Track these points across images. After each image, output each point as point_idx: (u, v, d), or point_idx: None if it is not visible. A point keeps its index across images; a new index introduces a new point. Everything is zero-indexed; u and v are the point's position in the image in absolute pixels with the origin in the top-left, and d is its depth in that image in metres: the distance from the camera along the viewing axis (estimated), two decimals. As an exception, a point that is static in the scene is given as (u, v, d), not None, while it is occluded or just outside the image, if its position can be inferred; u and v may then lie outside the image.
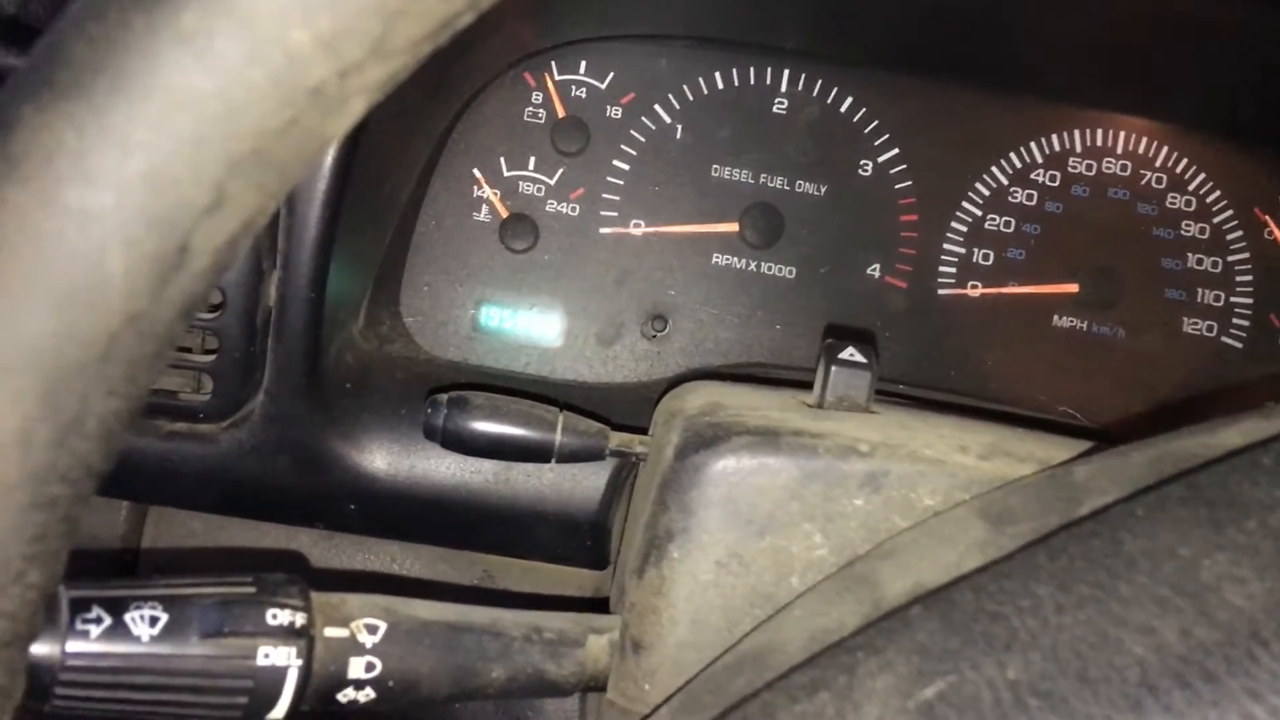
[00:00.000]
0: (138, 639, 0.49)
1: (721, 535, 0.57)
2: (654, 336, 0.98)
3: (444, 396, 0.70)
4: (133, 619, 0.50)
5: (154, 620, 0.50)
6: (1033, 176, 1.01)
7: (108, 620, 0.49)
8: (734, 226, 0.99)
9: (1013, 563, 0.39)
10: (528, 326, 0.97)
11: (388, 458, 0.82)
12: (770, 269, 0.99)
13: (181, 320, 0.33)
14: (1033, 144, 1.01)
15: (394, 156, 0.88)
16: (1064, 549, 0.39)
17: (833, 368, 0.65)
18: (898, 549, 0.54)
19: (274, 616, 0.52)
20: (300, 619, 0.53)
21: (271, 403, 0.79)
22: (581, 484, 0.83)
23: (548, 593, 0.92)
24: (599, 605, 0.88)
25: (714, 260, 0.99)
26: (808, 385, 0.73)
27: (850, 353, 0.66)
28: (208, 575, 0.54)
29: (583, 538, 0.85)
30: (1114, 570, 0.36)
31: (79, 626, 0.49)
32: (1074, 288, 1.01)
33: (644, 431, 0.78)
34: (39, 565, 0.33)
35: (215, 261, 0.32)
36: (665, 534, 0.58)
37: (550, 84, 0.99)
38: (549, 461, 0.71)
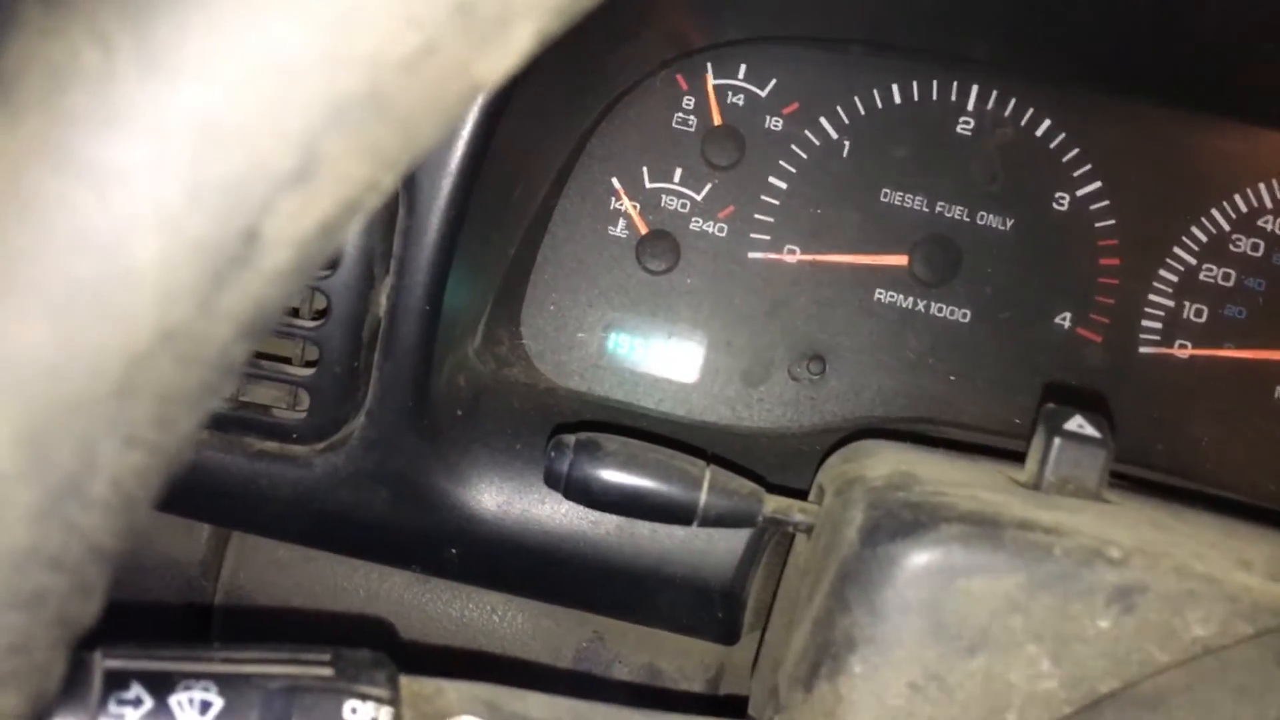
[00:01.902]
0: (183, 731, 0.39)
1: (919, 651, 0.45)
2: (807, 379, 0.85)
3: (571, 438, 0.60)
4: (179, 702, 0.40)
5: (205, 706, 0.40)
6: (1260, 223, 0.86)
7: (148, 703, 0.39)
8: (903, 260, 0.86)
9: None
10: (662, 358, 0.86)
11: (498, 498, 0.72)
12: (942, 310, 0.86)
13: (243, 341, 0.22)
14: (1262, 185, 0.87)
15: (528, 158, 0.79)
16: None
17: (1056, 440, 0.52)
18: (1166, 697, 0.40)
19: (354, 711, 0.41)
20: (386, 715, 0.42)
21: (373, 426, 0.70)
22: (717, 545, 0.72)
23: (665, 666, 0.80)
24: (729, 705, 0.75)
25: (877, 296, 0.87)
26: (998, 453, 0.60)
27: (1079, 423, 0.53)
28: (277, 645, 0.43)
29: (713, 607, 0.73)
30: None
31: (112, 709, 0.39)
32: (1304, 356, 0.85)
33: (800, 494, 0.66)
34: (14, 688, 0.22)
35: (299, 257, 0.22)
36: (845, 641, 0.46)
37: (705, 88, 0.88)
38: (690, 524, 0.59)
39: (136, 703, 0.39)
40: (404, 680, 0.45)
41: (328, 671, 0.43)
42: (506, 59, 0.21)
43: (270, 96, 0.19)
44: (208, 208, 0.20)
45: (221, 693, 0.40)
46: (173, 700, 0.40)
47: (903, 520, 0.46)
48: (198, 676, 0.40)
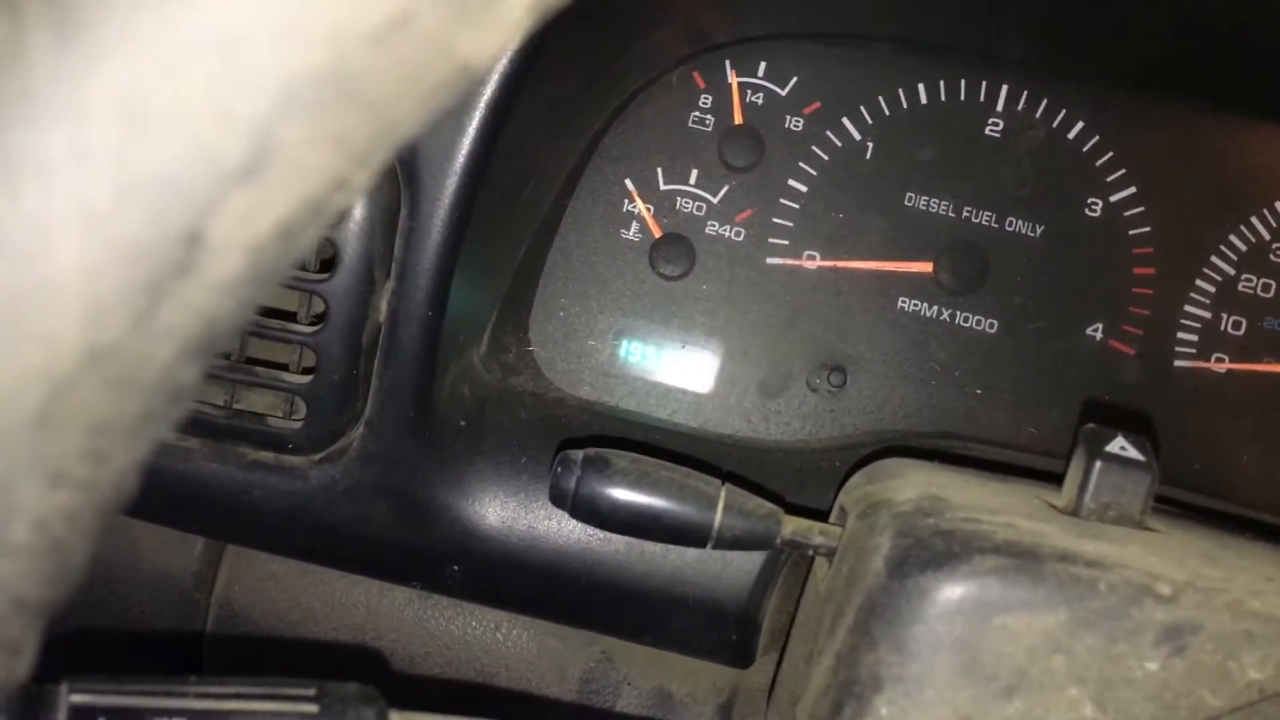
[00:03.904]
0: (151, 774, 0.36)
1: (951, 692, 0.41)
2: (826, 391, 0.82)
3: (578, 454, 0.56)
4: (149, 742, 0.37)
5: (178, 745, 0.37)
6: (1303, 231, 0.83)
7: (116, 742, 0.36)
8: (928, 267, 0.83)
9: None
10: (676, 367, 0.83)
11: (502, 513, 0.69)
12: (968, 320, 0.83)
13: (192, 361, 0.19)
14: (1305, 191, 0.83)
15: (538, 157, 0.75)
16: None
17: (1097, 463, 0.48)
18: (1223, 750, 0.37)
19: (338, 752, 0.38)
20: (373, 756, 0.39)
21: (372, 437, 0.67)
22: (731, 565, 0.68)
23: (675, 690, 0.77)
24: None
25: (900, 305, 0.83)
26: (1029, 471, 0.57)
27: (1121, 445, 0.49)
28: (258, 679, 0.40)
29: (726, 630, 0.70)
30: None
31: (74, 750, 0.36)
32: (1348, 371, 0.82)
33: (820, 513, 0.63)
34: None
35: (253, 264, 0.18)
36: (870, 679, 0.42)
37: (724, 86, 0.84)
38: (704, 546, 0.56)
39: (103, 742, 0.36)
40: (394, 716, 0.41)
41: (312, 708, 0.39)
42: (496, 34, 0.18)
43: (212, 74, 0.16)
44: (140, 206, 0.17)
45: (195, 731, 0.37)
46: (142, 739, 0.37)
47: (934, 550, 0.43)
48: (170, 714, 0.37)
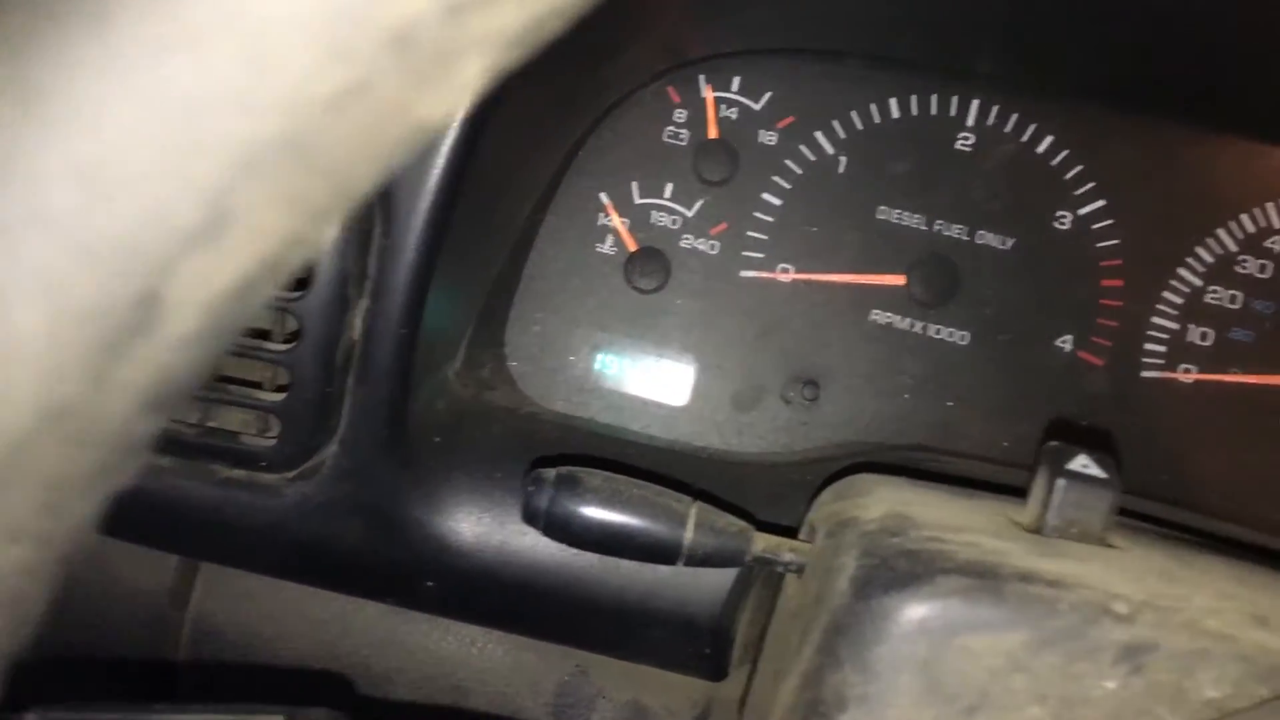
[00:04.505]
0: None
1: (915, 712, 0.42)
2: (800, 403, 0.82)
3: (550, 472, 0.57)
4: (118, 770, 0.37)
5: (146, 773, 0.37)
6: (1268, 244, 0.84)
7: (84, 770, 0.37)
8: (900, 280, 0.84)
9: None
10: (651, 380, 0.83)
11: (476, 529, 0.69)
12: (940, 333, 0.84)
13: (150, 415, 0.19)
14: (1270, 205, 0.84)
15: (513, 173, 0.76)
16: None
17: (1060, 481, 0.49)
18: (1179, 769, 0.38)
19: (307, 777, 0.39)
20: (342, 780, 0.39)
21: (346, 454, 0.67)
22: (703, 580, 0.69)
23: (651, 703, 0.77)
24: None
25: (873, 318, 0.84)
26: (998, 486, 0.58)
27: (1083, 463, 0.50)
28: (225, 706, 0.41)
29: (699, 644, 0.70)
30: None
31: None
32: (1314, 381, 0.83)
33: (791, 529, 0.63)
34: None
35: (211, 322, 0.19)
36: (835, 700, 0.43)
37: (698, 101, 0.85)
38: (675, 564, 0.56)
39: (70, 771, 0.36)
40: (364, 740, 0.42)
41: (281, 733, 0.40)
42: (453, 97, 0.19)
43: (169, 142, 0.17)
44: (99, 269, 0.17)
45: (164, 759, 0.37)
46: (110, 768, 0.37)
47: (898, 571, 0.44)
48: (138, 741, 0.38)
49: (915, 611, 0.42)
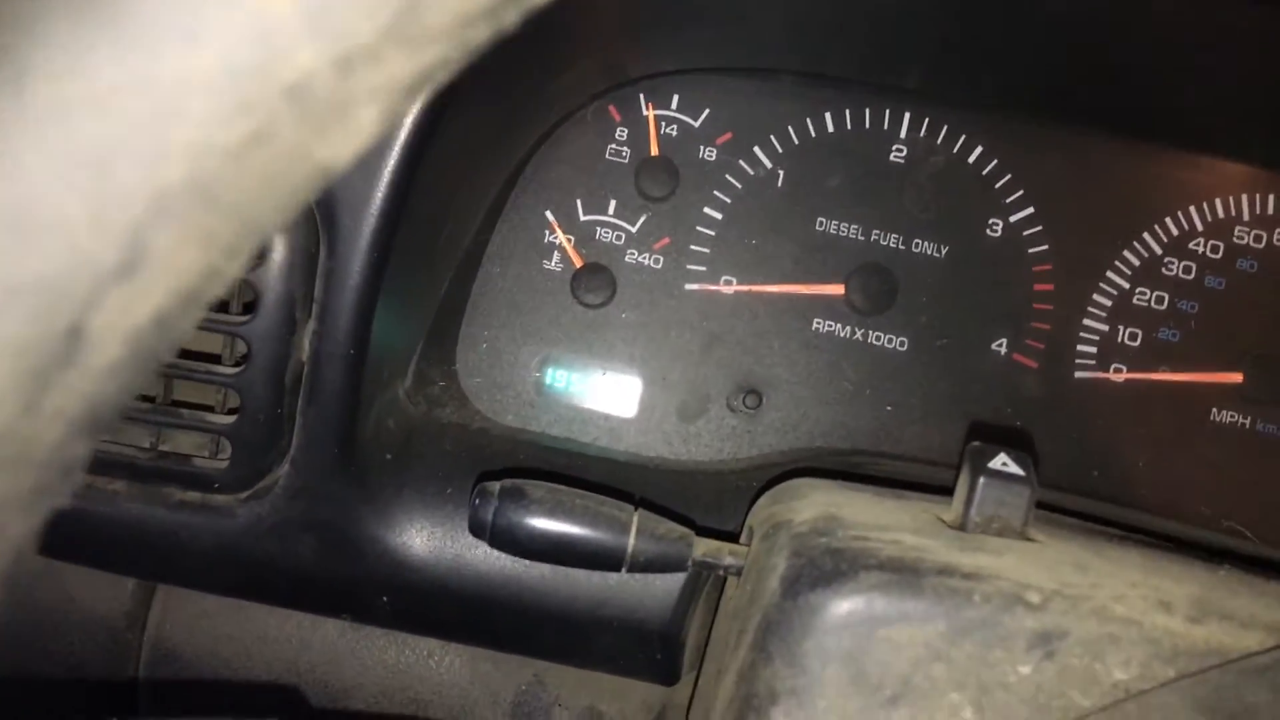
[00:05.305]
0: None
1: (841, 701, 0.44)
2: (744, 412, 0.85)
3: (495, 485, 0.58)
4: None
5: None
6: (1191, 246, 0.87)
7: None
8: (839, 289, 0.86)
9: None
10: (599, 393, 0.85)
11: (429, 544, 0.70)
12: (879, 340, 0.86)
13: (82, 438, 0.21)
14: (1192, 209, 0.87)
15: (457, 193, 0.77)
16: None
17: (981, 479, 0.52)
18: (1086, 746, 0.40)
19: (256, 786, 0.40)
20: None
21: (298, 474, 0.68)
22: (653, 587, 0.70)
23: (606, 709, 0.79)
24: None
25: (815, 326, 0.86)
26: (933, 488, 0.60)
27: (1003, 461, 0.52)
28: (179, 718, 0.42)
29: (651, 649, 0.72)
30: None
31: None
32: (1237, 377, 0.86)
33: (732, 531, 0.65)
34: None
35: (133, 351, 0.20)
36: (767, 694, 0.45)
37: (639, 119, 0.87)
38: (619, 570, 0.58)
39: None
40: (314, 749, 0.43)
41: (231, 744, 0.41)
42: (352, 142, 0.21)
43: (86, 190, 0.18)
44: (24, 306, 0.19)
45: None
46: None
47: (824, 569, 0.46)
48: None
49: (840, 606, 0.44)
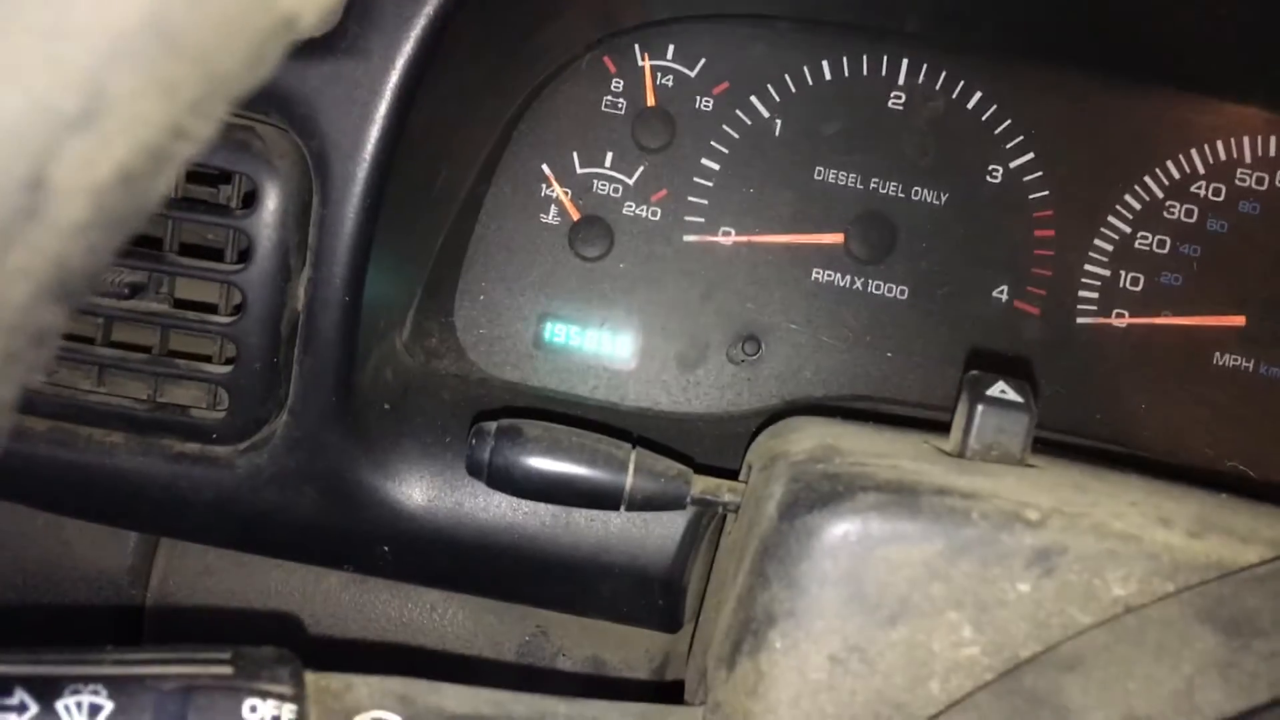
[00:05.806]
0: (68, 737, 0.37)
1: (839, 622, 0.44)
2: (743, 361, 0.84)
3: (491, 425, 0.58)
4: (66, 707, 0.38)
5: (95, 710, 0.38)
6: (1193, 189, 0.86)
7: (33, 708, 0.38)
8: (839, 238, 0.86)
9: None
10: (597, 345, 0.85)
11: (428, 493, 0.70)
12: (879, 288, 0.86)
13: (50, 303, 0.21)
14: (1194, 151, 0.86)
15: (450, 143, 0.77)
16: None
17: (979, 406, 0.51)
18: (1085, 658, 0.40)
19: (253, 709, 0.40)
20: (289, 712, 0.41)
21: (296, 424, 0.68)
22: (654, 532, 0.70)
23: (609, 658, 0.79)
24: (670, 691, 0.74)
25: (814, 276, 0.86)
26: (933, 426, 0.60)
27: (1001, 389, 0.52)
28: (174, 646, 0.42)
29: (653, 595, 0.72)
30: None
31: (-9, 717, 0.37)
32: (1240, 320, 0.85)
33: (732, 474, 0.65)
34: None
35: (99, 208, 0.20)
36: (765, 616, 0.45)
37: (634, 70, 0.86)
38: (617, 509, 0.58)
39: (21, 708, 0.38)
40: (310, 676, 0.43)
41: (227, 670, 0.41)
42: (317, -6, 0.20)
43: (41, 29, 0.18)
44: (-17, 156, 0.18)
45: (112, 695, 0.39)
46: (60, 705, 0.38)
47: (820, 492, 0.45)
48: (86, 680, 0.39)
49: (837, 528, 0.44)
